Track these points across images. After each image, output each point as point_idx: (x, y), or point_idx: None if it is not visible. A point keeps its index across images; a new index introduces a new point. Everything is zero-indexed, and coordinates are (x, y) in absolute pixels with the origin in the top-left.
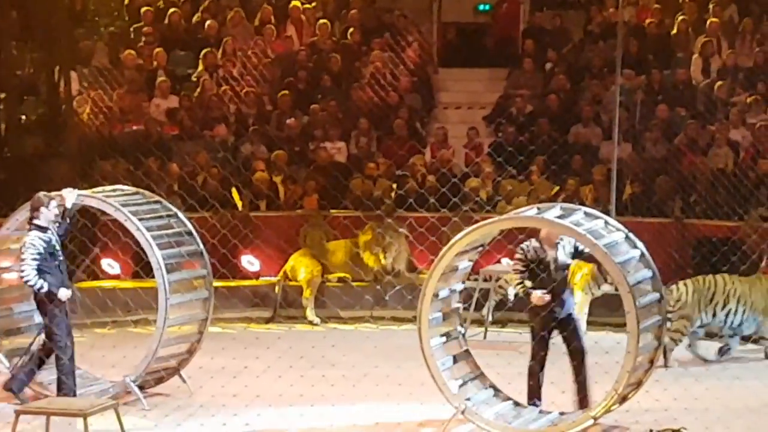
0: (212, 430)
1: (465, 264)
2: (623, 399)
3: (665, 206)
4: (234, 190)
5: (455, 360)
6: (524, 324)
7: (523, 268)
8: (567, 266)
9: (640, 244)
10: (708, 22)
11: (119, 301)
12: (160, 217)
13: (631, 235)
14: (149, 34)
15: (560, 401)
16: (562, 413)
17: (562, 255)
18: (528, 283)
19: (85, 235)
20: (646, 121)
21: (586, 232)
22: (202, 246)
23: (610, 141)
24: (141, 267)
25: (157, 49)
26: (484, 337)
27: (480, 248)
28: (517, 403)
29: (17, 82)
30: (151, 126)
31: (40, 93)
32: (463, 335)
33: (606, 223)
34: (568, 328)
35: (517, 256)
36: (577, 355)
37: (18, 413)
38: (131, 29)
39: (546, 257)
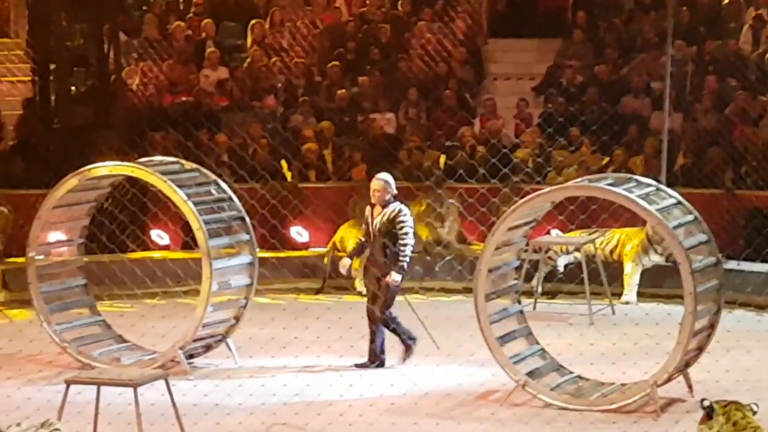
0: (261, 400)
1: (519, 238)
2: (686, 365)
3: (716, 177)
4: (283, 161)
5: (514, 335)
6: (573, 295)
7: None
8: None
9: (694, 210)
10: None
11: (169, 271)
12: (200, 184)
13: (684, 201)
14: (198, 5)
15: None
16: (623, 384)
17: None
18: None
19: (135, 206)
20: (697, 91)
21: (638, 198)
22: (243, 211)
23: (661, 112)
24: (190, 237)
25: (206, 20)
26: (534, 309)
27: (533, 223)
28: (580, 377)
29: (67, 54)
30: (200, 97)
31: (89, 64)
32: (521, 311)
33: (657, 189)
34: None
35: None
36: None
37: (68, 383)
38: (180, 0)
39: None
